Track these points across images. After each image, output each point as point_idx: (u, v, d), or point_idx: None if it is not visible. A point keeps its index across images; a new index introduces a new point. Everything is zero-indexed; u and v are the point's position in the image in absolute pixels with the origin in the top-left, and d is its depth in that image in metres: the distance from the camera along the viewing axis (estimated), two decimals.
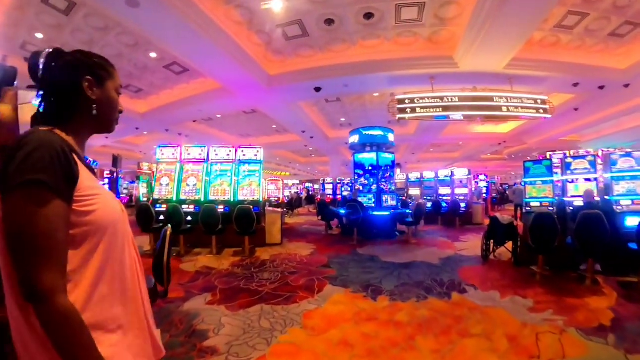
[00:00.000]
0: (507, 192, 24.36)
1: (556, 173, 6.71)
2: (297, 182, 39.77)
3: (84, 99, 1.01)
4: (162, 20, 6.41)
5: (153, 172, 12.41)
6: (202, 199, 8.73)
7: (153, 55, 8.87)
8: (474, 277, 5.57)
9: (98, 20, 7.09)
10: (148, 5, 5.83)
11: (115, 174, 17.54)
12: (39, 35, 7.51)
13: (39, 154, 0.82)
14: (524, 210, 6.40)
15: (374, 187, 9.69)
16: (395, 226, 9.95)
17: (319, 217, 11.31)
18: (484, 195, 17.39)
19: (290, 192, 25.41)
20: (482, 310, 4.11)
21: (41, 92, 1.00)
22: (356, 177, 10.15)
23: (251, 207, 7.51)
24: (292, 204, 18.61)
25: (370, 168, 9.81)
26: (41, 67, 1.01)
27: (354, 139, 10.31)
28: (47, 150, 0.84)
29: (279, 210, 9.34)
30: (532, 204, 6.62)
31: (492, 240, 6.63)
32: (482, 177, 20.09)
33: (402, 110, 8.47)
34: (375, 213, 9.24)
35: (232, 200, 8.81)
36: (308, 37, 8.03)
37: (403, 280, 5.42)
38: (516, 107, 8.72)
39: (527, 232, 6.07)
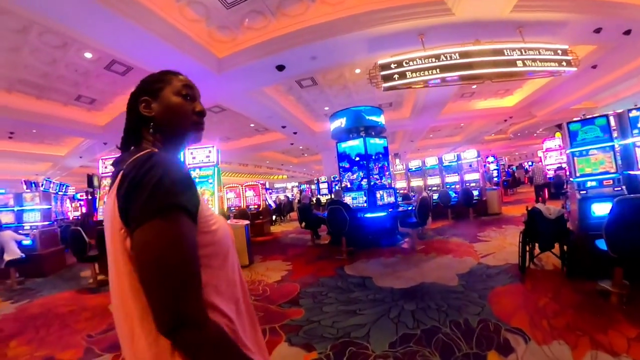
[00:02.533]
0: (516, 174, 22.27)
1: (616, 138, 4.61)
2: (296, 184, 38.27)
3: (148, 119, 1.01)
4: (74, 8, 5.18)
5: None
6: None
7: (88, 55, 7.50)
8: (514, 308, 3.56)
9: (11, 21, 5.96)
10: None
11: (91, 195, 15.72)
12: None
13: (171, 177, 0.80)
14: (579, 195, 4.31)
15: (364, 182, 7.65)
16: (396, 228, 7.94)
17: (302, 225, 9.33)
18: (496, 179, 15.33)
19: (278, 196, 23.50)
20: None
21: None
22: (342, 172, 8.11)
23: None
24: (281, 210, 16.68)
25: (357, 159, 7.76)
26: None
27: (335, 124, 8.28)
28: (177, 172, 0.82)
29: (241, 223, 7.36)
30: (588, 184, 4.50)
31: (533, 244, 4.64)
32: (490, 159, 18.03)
33: (388, 78, 6.46)
34: (369, 215, 7.19)
35: None
36: None
37: (404, 328, 3.40)
38: (533, 61, 6.70)
39: (584, 227, 4.06)
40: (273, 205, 16.51)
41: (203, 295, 0.80)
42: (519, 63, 6.62)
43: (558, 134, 17.26)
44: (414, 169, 13.95)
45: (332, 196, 8.12)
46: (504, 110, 16.40)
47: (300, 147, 21.29)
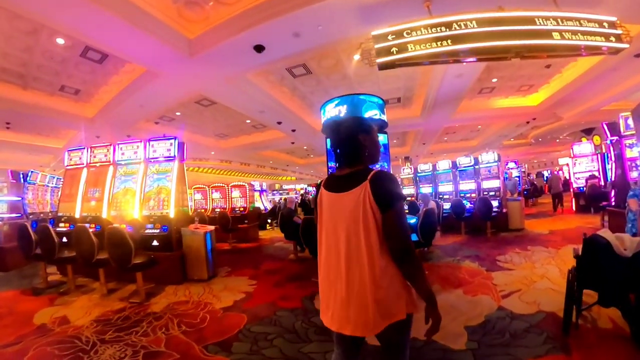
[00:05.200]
0: (536, 182, 20.36)
1: None
2: (306, 185, 37.07)
3: (363, 147, 1.67)
4: None
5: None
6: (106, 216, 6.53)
7: (60, 41, 6.97)
8: None
9: None
10: None
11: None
12: None
13: (398, 184, 1.59)
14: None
15: None
16: None
17: (284, 234, 7.88)
18: (518, 188, 13.60)
19: (274, 199, 22.06)
20: None
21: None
22: (330, 172, 6.58)
23: (124, 229, 4.90)
24: (277, 213, 15.23)
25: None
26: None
27: (326, 117, 6.72)
28: (397, 180, 1.63)
29: (200, 230, 5.96)
30: None
31: (587, 291, 3.04)
32: (511, 164, 16.22)
33: (384, 52, 4.92)
34: None
35: (139, 217, 6.30)
36: None
37: None
38: (574, 33, 5.08)
39: None
40: (268, 207, 15.01)
41: None
42: (556, 35, 5.04)
43: (584, 139, 15.50)
44: (423, 173, 12.21)
45: (300, 204, 6.67)
46: (527, 110, 14.73)
47: (305, 148, 19.92)
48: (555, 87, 12.46)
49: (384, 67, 5.01)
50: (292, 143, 16.86)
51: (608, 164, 11.68)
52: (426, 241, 5.62)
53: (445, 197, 10.85)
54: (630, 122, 7.20)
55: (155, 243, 5.88)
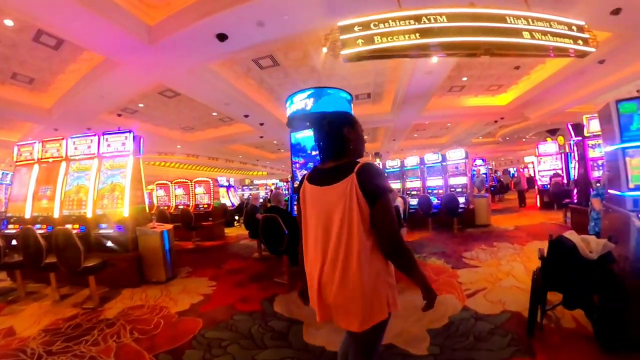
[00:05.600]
0: (502, 179, 20.85)
1: None
2: (277, 181, 36.42)
3: (348, 140, 1.66)
4: None
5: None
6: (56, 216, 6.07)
7: (9, 23, 6.22)
8: None
9: None
10: None
11: None
12: None
13: (384, 176, 1.58)
14: (638, 222, 2.60)
15: None
16: None
17: (248, 232, 7.62)
18: (486, 185, 13.81)
19: (242, 195, 21.64)
20: None
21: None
22: (295, 170, 6.36)
23: (71, 230, 4.53)
24: (243, 210, 14.90)
25: (314, 153, 6.02)
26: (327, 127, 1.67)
27: (291, 110, 6.49)
28: (383, 173, 1.60)
29: (158, 230, 5.62)
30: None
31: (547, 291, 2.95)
32: (479, 161, 16.49)
33: (350, 43, 4.72)
34: None
35: (92, 216, 5.86)
36: None
37: None
38: (543, 34, 5.08)
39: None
40: (236, 203, 14.60)
41: None
42: (526, 34, 5.01)
43: (549, 139, 15.95)
44: (390, 169, 12.12)
45: (269, 200, 6.38)
46: (496, 110, 14.99)
47: (275, 142, 19.60)
48: (524, 88, 12.68)
49: (349, 59, 4.82)
50: (261, 137, 16.50)
51: (571, 163, 12.03)
52: None
53: (413, 193, 10.82)
54: (594, 123, 7.35)
55: (109, 244, 5.53)
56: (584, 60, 9.69)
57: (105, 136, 6.06)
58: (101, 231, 5.59)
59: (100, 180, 5.88)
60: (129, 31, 6.20)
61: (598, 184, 4.77)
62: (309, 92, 6.09)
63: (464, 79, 11.51)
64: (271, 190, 21.80)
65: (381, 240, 1.49)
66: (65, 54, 7.74)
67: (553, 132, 20.80)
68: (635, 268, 2.67)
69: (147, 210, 6.48)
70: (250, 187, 26.95)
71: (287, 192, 16.53)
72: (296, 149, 6.29)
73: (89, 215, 5.70)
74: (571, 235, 2.72)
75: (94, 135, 6.14)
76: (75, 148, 6.22)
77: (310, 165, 5.97)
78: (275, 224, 4.85)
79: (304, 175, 1.80)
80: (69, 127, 11.30)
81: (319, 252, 1.58)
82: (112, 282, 5.26)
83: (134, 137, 5.94)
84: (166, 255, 5.70)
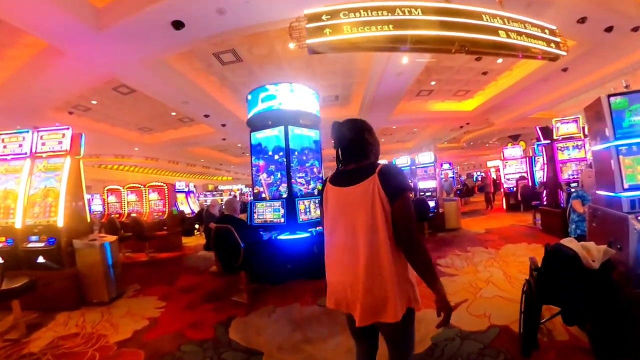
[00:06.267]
0: (467, 183, 21.19)
1: None
2: (242, 186, 35.39)
3: (369, 144, 1.74)
4: None
5: None
6: None
7: None
8: None
9: None
10: None
11: None
12: None
13: (404, 176, 1.62)
14: (637, 224, 2.32)
15: (283, 187, 5.44)
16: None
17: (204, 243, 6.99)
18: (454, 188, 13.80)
19: (204, 201, 20.76)
20: None
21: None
22: (255, 174, 5.83)
23: None
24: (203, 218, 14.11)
25: (276, 157, 5.51)
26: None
27: (253, 107, 5.95)
28: (403, 172, 1.68)
29: (97, 243, 4.93)
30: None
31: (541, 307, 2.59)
32: (446, 165, 16.54)
33: (316, 32, 4.30)
34: (285, 237, 4.97)
35: (19, 227, 4.95)
36: None
37: None
38: (519, 34, 4.91)
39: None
40: (196, 210, 13.77)
41: None
42: (502, 33, 4.81)
43: (510, 144, 16.27)
44: None
45: (223, 208, 5.80)
46: (462, 115, 15.15)
47: (239, 145, 18.88)
48: (490, 93, 12.78)
49: (314, 49, 4.39)
50: (224, 139, 15.83)
51: (535, 166, 12.23)
52: None
53: None
54: (563, 127, 7.33)
55: (41, 260, 4.74)
56: (549, 68, 9.99)
57: (40, 133, 5.25)
58: (31, 245, 4.79)
59: (32, 185, 5.10)
60: (73, 13, 5.48)
61: (575, 185, 4.58)
62: (274, 88, 5.61)
63: (433, 83, 11.41)
64: (235, 196, 21.03)
65: (398, 234, 1.53)
66: (1, 38, 6.73)
67: (515, 138, 21.37)
68: (635, 275, 2.39)
69: (89, 220, 5.73)
70: (214, 192, 25.86)
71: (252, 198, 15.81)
72: (256, 150, 5.79)
73: (18, 225, 4.86)
74: (571, 243, 2.39)
75: (26, 131, 5.32)
76: (5, 146, 5.32)
77: (272, 168, 5.49)
78: (227, 236, 4.29)
79: (326, 178, 1.86)
80: (10, 124, 10.14)
81: (347, 250, 1.63)
82: (44, 305, 4.48)
83: (72, 134, 5.20)
84: (109, 272, 4.98)
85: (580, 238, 3.92)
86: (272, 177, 5.48)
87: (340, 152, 1.76)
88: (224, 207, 5.62)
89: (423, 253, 1.52)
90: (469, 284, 4.46)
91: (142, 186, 10.15)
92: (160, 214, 9.82)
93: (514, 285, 4.23)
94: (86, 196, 5.67)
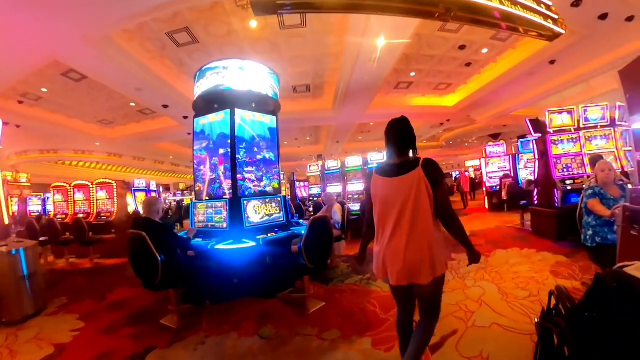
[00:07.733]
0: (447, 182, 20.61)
1: None
2: None
3: (412, 138, 2.12)
4: None
5: None
6: None
7: None
8: None
9: None
10: None
11: None
12: None
13: (440, 167, 2.04)
14: None
15: (227, 184, 4.43)
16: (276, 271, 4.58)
17: None
18: None
19: (173, 201, 19.49)
20: None
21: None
22: (196, 166, 4.80)
23: None
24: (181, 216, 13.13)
25: (221, 149, 4.47)
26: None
27: (199, 88, 4.91)
28: (439, 165, 2.07)
29: (5, 250, 3.88)
30: None
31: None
32: None
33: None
34: (226, 246, 3.92)
35: None
36: None
37: None
38: (514, 4, 4.13)
39: None
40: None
41: None
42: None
43: (491, 142, 15.68)
44: (331, 171, 10.58)
45: (141, 211, 4.88)
46: (443, 111, 14.44)
47: None
48: (473, 88, 12.12)
49: (260, 8, 3.41)
50: (189, 134, 14.63)
51: (519, 164, 11.57)
52: (317, 264, 3.80)
53: (355, 197, 9.55)
54: (558, 118, 6.54)
55: None
56: (535, 60, 9.30)
57: None
58: None
59: None
60: None
61: (589, 180, 3.72)
62: (221, 64, 4.62)
63: (412, 74, 10.60)
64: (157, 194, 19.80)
65: (439, 211, 2.00)
66: None
67: (496, 137, 20.91)
68: None
69: (6, 222, 4.69)
70: (183, 191, 24.41)
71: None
72: (199, 139, 4.78)
73: None
74: (630, 268, 1.46)
75: None
76: None
77: (215, 161, 4.45)
78: (141, 246, 3.28)
79: (373, 170, 2.30)
80: None
81: (397, 227, 2.02)
82: None
83: None
84: (24, 284, 4.06)
85: (601, 248, 3.07)
86: (214, 172, 4.45)
87: (393, 147, 2.12)
88: (142, 208, 4.49)
89: (459, 223, 2.03)
90: (457, 307, 3.52)
91: (90, 184, 8.88)
92: (108, 214, 8.58)
93: (513, 308, 3.33)
94: (2, 193, 4.68)
